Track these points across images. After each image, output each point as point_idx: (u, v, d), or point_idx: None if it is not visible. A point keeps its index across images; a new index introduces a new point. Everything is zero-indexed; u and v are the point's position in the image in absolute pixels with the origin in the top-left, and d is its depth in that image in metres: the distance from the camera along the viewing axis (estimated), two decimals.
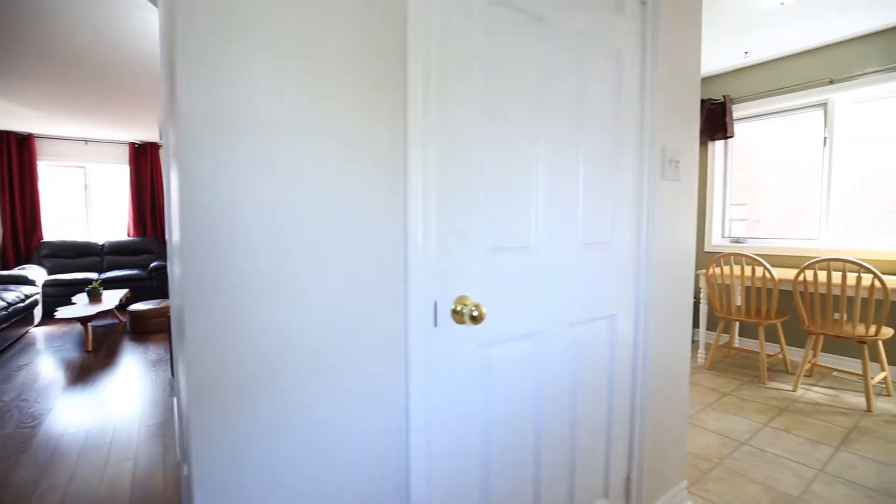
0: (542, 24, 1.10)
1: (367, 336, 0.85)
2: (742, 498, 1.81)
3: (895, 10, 2.79)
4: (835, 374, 3.22)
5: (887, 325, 3.06)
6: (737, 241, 3.95)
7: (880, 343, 2.65)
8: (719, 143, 4.04)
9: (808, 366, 3.19)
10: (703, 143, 4.08)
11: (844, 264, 2.62)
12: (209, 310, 0.68)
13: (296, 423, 0.77)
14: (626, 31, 1.32)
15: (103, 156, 6.31)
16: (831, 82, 3.35)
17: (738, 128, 3.94)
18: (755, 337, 3.83)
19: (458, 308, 0.95)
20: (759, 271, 3.13)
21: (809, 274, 2.95)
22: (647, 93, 1.38)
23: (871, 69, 3.16)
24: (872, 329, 2.65)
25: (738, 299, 3.33)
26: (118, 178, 6.48)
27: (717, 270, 3.24)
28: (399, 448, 0.90)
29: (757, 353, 3.12)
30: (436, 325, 0.93)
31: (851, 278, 2.84)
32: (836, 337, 2.71)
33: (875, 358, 3.19)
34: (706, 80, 4.09)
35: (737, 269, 3.25)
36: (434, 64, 0.90)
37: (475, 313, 0.92)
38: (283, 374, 0.76)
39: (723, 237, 4.08)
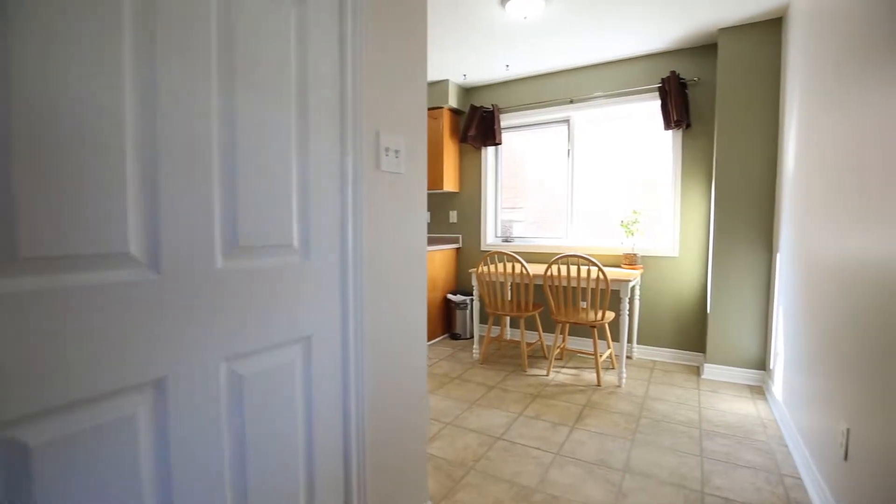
0: None
1: None
2: (488, 502, 1.77)
3: (619, 46, 3.32)
4: (578, 355, 3.71)
5: (610, 310, 3.65)
6: (507, 240, 4.29)
7: (606, 325, 3.09)
8: (490, 150, 4.32)
9: (557, 350, 3.59)
10: (477, 149, 4.32)
11: (578, 259, 2.97)
12: None
13: None
14: None
15: None
16: (571, 101, 3.85)
17: (505, 136, 4.28)
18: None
19: None
20: (518, 268, 3.38)
21: (554, 269, 3.30)
22: (349, 65, 1.15)
23: (598, 93, 3.73)
24: (600, 314, 3.08)
25: (509, 294, 3.57)
26: None
27: (486, 269, 3.40)
28: None
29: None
30: None
31: (584, 271, 3.26)
32: (575, 323, 3.06)
33: (603, 337, 3.78)
34: (477, 89, 4.33)
35: (501, 267, 3.46)
36: None
37: None
38: None
39: (496, 237, 4.39)
